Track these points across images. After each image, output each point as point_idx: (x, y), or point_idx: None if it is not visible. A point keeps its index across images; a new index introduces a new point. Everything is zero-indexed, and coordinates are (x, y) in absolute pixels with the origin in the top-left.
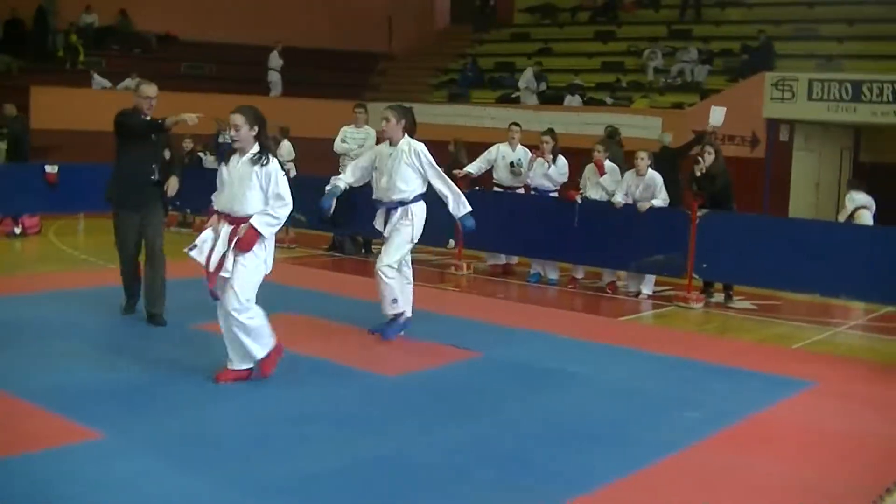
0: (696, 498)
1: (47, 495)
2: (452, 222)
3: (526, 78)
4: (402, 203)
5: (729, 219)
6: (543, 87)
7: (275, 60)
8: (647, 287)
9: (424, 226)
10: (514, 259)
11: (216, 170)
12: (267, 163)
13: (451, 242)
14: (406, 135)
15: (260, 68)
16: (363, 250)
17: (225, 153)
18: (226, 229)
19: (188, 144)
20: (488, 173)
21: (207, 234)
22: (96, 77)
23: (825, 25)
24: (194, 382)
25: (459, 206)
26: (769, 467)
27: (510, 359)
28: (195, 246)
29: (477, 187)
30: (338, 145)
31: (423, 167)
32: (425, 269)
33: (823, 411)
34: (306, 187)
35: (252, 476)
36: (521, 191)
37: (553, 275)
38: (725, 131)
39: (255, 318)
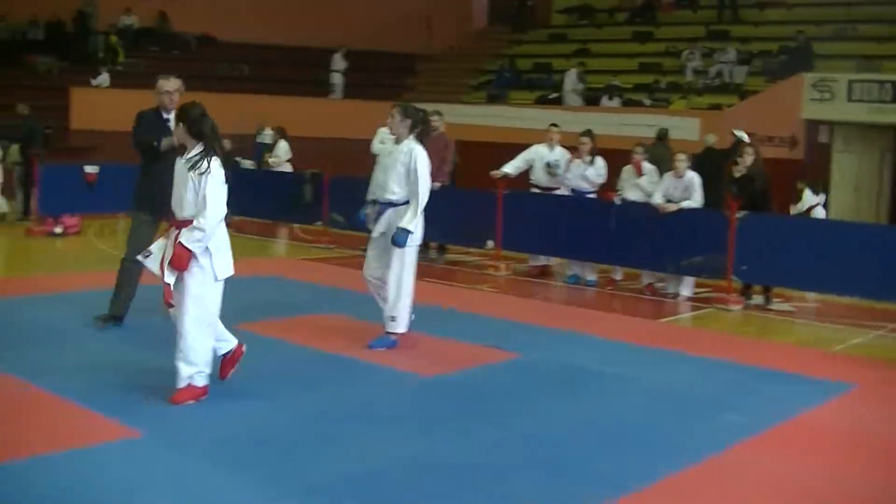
0: (736, 501)
1: (89, 491)
2: (491, 224)
3: (570, 79)
4: (392, 205)
5: (768, 220)
6: (581, 87)
7: (338, 63)
8: (686, 289)
9: (462, 227)
10: (552, 260)
11: (253, 171)
12: (203, 166)
13: (490, 243)
14: (413, 137)
15: (296, 69)
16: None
17: (261, 154)
18: (173, 234)
19: (227, 145)
20: (526, 174)
21: (161, 242)
22: (102, 75)
23: (865, 26)
24: (233, 382)
25: (409, 221)
26: (809, 471)
27: (548, 360)
28: (149, 254)
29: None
30: (375, 146)
31: (409, 168)
32: (463, 270)
33: (864, 415)
34: (343, 188)
35: (290, 475)
36: (561, 191)
37: (591, 276)
38: (764, 132)
39: (198, 339)
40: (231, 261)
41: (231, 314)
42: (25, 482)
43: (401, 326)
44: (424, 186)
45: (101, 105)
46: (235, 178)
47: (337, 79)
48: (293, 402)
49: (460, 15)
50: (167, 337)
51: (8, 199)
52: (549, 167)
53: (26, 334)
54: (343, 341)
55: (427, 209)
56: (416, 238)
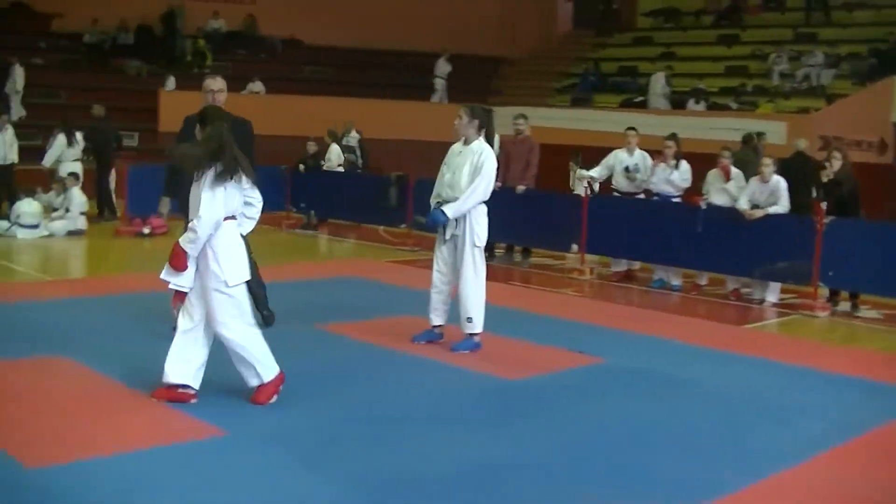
0: None
1: (175, 488)
2: (576, 227)
3: (658, 83)
4: None
5: (856, 226)
6: (668, 91)
7: (441, 67)
8: (772, 295)
9: (547, 230)
10: (636, 264)
11: (339, 173)
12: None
13: (574, 247)
14: (482, 137)
15: (381, 72)
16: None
17: (364, 152)
18: None
19: (312, 147)
20: (609, 178)
21: None
22: (170, 80)
23: None
24: (316, 381)
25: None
26: (893, 483)
27: (632, 365)
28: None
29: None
30: None
31: (476, 165)
32: (548, 273)
33: None
34: (427, 191)
35: (373, 475)
36: (642, 196)
37: (676, 281)
38: (852, 136)
39: (242, 338)
40: (244, 267)
41: (312, 314)
42: (116, 477)
43: (478, 326)
44: (485, 184)
45: (188, 107)
46: (320, 181)
47: (439, 84)
48: (369, 401)
49: (545, 18)
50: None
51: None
52: (628, 172)
53: (119, 333)
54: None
55: (512, 212)
56: (482, 238)
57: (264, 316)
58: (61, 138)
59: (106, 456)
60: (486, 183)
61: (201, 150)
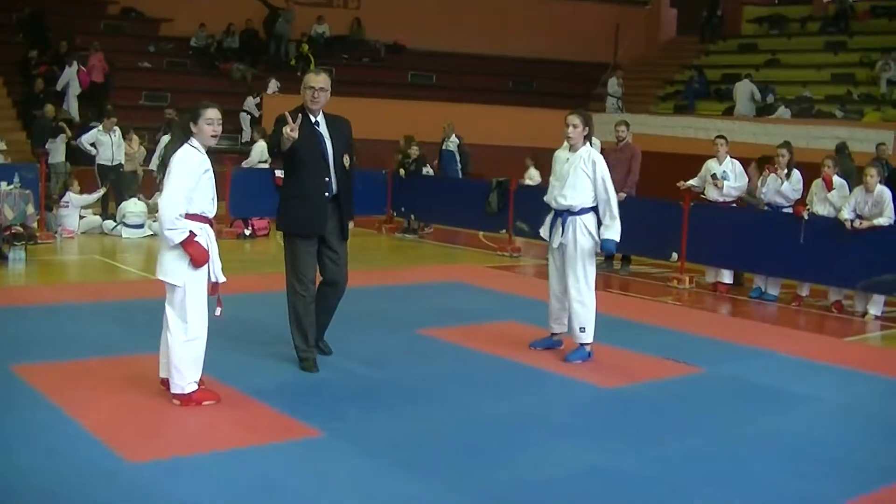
0: None
1: (270, 486)
2: (677, 236)
3: (742, 90)
4: (570, 212)
5: None
6: (771, 98)
7: (613, 86)
8: (876, 307)
9: (647, 238)
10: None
11: (440, 179)
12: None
13: (674, 256)
14: (588, 143)
15: (480, 77)
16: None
17: (465, 157)
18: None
19: (414, 152)
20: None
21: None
22: (272, 83)
23: None
24: (413, 385)
25: (608, 229)
26: None
27: (732, 376)
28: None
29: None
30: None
31: (594, 177)
32: (647, 281)
33: None
34: (528, 197)
35: (470, 481)
36: (734, 205)
37: (773, 291)
38: None
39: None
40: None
41: (413, 319)
42: (216, 475)
43: (591, 336)
44: (613, 191)
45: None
46: (421, 186)
47: (611, 101)
48: (470, 407)
49: (649, 25)
50: (351, 340)
51: None
52: (714, 179)
53: (216, 332)
54: (523, 349)
55: None
56: (592, 246)
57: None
58: (165, 139)
59: (204, 453)
60: (613, 189)
61: None
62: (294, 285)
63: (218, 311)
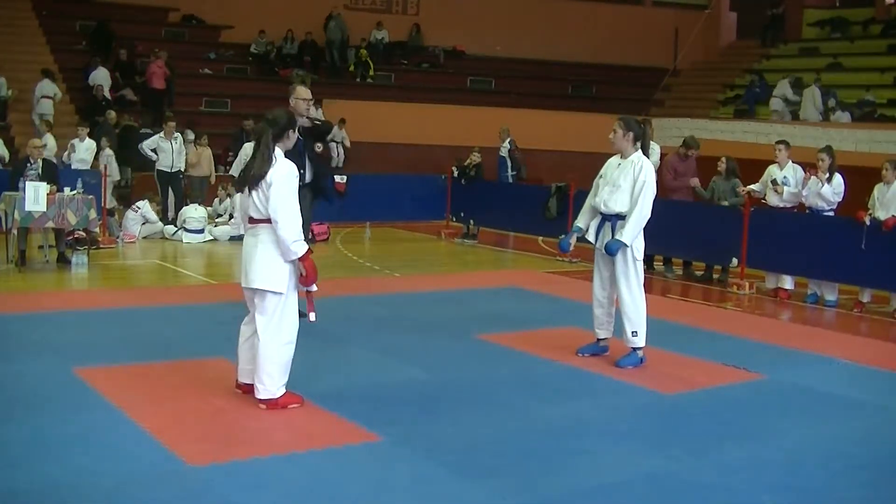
0: None
1: (328, 490)
2: (737, 241)
3: (808, 96)
4: (620, 217)
5: None
6: (832, 102)
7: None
8: None
9: (707, 244)
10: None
11: (500, 184)
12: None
13: (734, 261)
14: (639, 149)
15: (539, 82)
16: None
17: (516, 163)
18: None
19: (476, 158)
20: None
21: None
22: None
23: None
24: (471, 390)
25: (629, 234)
26: None
27: (793, 383)
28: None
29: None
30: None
31: (636, 181)
32: (706, 287)
33: None
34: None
35: (528, 486)
36: (796, 210)
37: (831, 296)
38: None
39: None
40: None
41: (472, 324)
42: (275, 479)
43: (642, 340)
44: (650, 201)
45: (350, 117)
46: (479, 191)
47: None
48: (528, 412)
49: (709, 29)
50: (412, 346)
51: None
52: (774, 184)
53: None
54: (587, 356)
55: (672, 225)
56: (640, 251)
57: None
58: (247, 147)
59: (263, 456)
60: (649, 198)
61: None
62: None
63: (312, 317)
